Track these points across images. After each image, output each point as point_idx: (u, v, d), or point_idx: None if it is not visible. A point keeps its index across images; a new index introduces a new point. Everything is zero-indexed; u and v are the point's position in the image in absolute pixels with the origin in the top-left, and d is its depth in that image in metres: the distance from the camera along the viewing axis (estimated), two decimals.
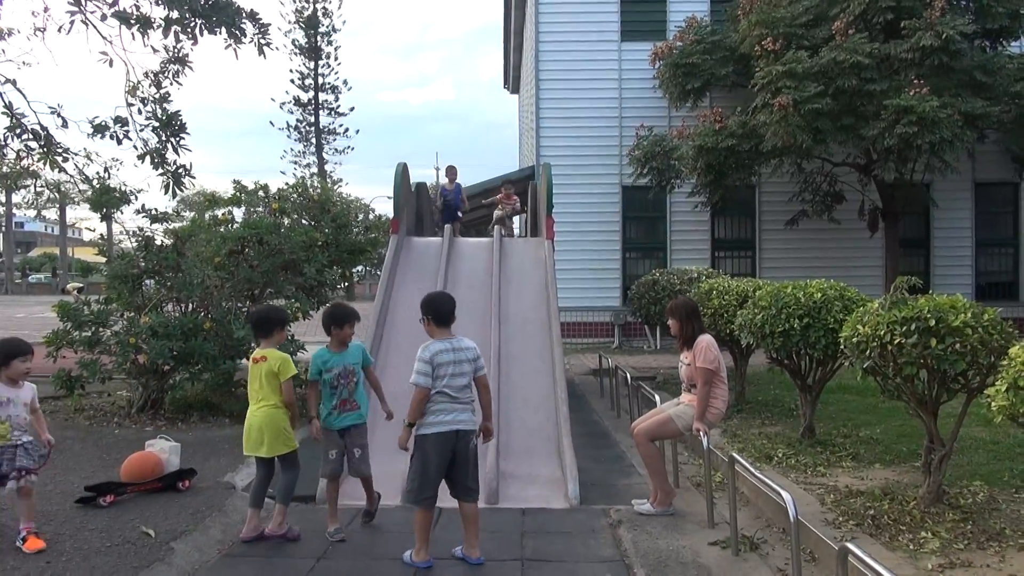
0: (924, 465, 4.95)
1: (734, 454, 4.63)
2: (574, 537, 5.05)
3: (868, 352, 4.71)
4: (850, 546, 3.00)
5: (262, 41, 9.01)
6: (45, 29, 9.10)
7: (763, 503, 5.42)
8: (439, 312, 4.52)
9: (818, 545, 4.36)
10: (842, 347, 5.19)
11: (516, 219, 13.96)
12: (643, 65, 15.88)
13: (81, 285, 35.47)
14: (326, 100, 44.08)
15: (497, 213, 13.06)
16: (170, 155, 8.56)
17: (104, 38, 8.66)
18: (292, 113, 44.09)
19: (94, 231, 44.84)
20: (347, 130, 44.75)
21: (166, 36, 8.64)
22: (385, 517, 5.37)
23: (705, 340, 5.41)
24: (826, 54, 12.04)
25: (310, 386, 5.09)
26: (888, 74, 12.20)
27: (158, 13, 8.54)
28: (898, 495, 5.10)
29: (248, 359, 8.69)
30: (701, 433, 5.21)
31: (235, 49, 8.82)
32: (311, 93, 43.73)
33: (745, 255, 16.90)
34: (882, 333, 4.61)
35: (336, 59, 44.55)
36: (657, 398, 6.55)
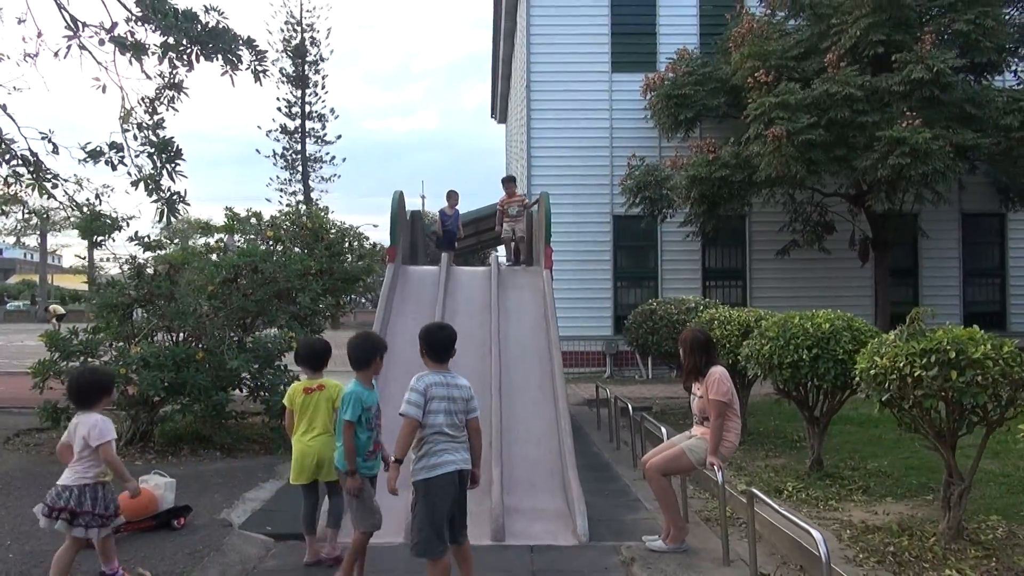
0: (944, 500, 4.86)
1: (754, 490, 4.51)
2: None
3: (887, 384, 4.63)
4: None
5: (258, 68, 8.95)
6: (38, 54, 9.01)
7: (777, 539, 5.30)
8: (432, 346, 4.27)
9: None
10: (858, 379, 5.11)
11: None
12: (634, 96, 15.98)
13: (63, 312, 34.97)
14: (313, 128, 44.09)
15: (505, 228, 11.18)
16: (165, 181, 8.42)
17: (99, 63, 8.57)
18: (279, 141, 44.02)
19: (84, 258, 44.26)
20: (333, 158, 44.77)
21: (161, 62, 8.57)
22: (389, 555, 5.19)
23: (718, 372, 5.32)
24: (818, 86, 12.17)
25: (348, 429, 4.41)
26: (879, 106, 12.33)
27: (154, 39, 8.48)
28: (916, 530, 5.00)
29: (239, 389, 8.59)
30: (715, 467, 5.09)
31: (231, 76, 8.74)
32: (298, 121, 43.73)
33: (736, 284, 16.92)
34: (901, 365, 4.54)
35: (323, 87, 44.50)
36: (664, 430, 6.43)
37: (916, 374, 4.46)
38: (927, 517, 5.28)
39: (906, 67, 11.92)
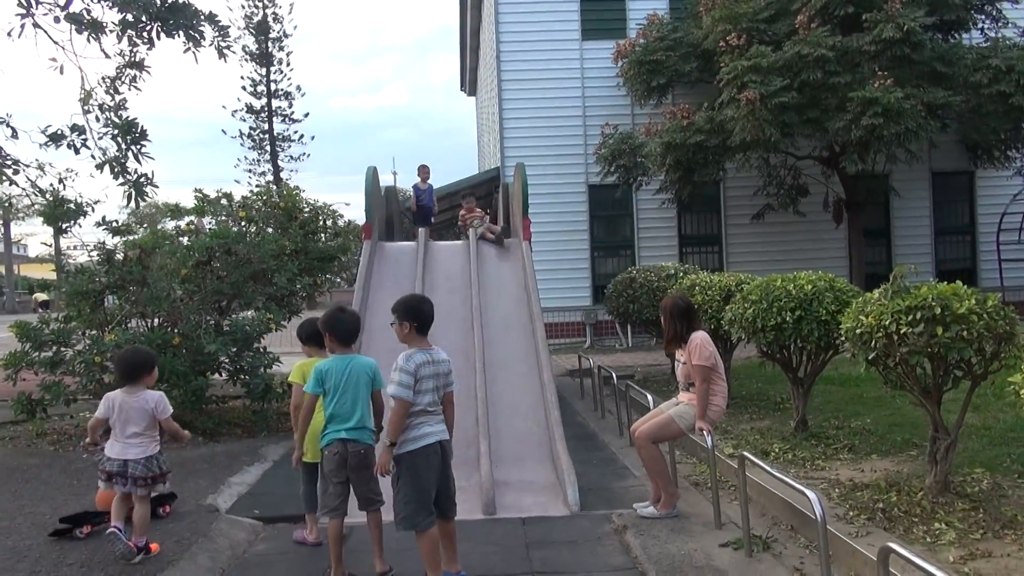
0: (930, 455, 4.90)
1: (745, 453, 4.52)
2: (580, 545, 4.89)
3: (873, 343, 4.64)
4: (893, 546, 2.89)
5: (222, 44, 8.70)
6: None
7: (767, 501, 5.34)
8: (423, 318, 4.13)
9: (833, 541, 4.27)
10: (843, 338, 5.12)
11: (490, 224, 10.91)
12: (605, 63, 15.83)
13: (48, 299, 34.22)
14: (279, 107, 43.29)
15: (479, 231, 10.58)
16: (131, 164, 8.18)
17: (55, 43, 8.26)
18: (245, 121, 43.16)
19: (50, 246, 43.32)
20: (302, 137, 44.03)
21: (120, 40, 8.28)
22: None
23: (699, 337, 5.32)
24: (790, 48, 12.12)
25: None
26: (850, 67, 12.32)
27: (112, 17, 8.19)
28: (903, 486, 5.05)
29: (218, 373, 8.45)
30: (704, 432, 5.10)
31: (195, 53, 8.48)
32: (264, 100, 42.89)
33: (712, 250, 16.97)
34: (887, 323, 4.55)
35: (288, 65, 43.65)
36: (650, 398, 6.44)
37: (902, 331, 4.47)
38: (913, 472, 5.34)
39: (876, 26, 11.90)
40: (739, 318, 6.58)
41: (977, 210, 17.07)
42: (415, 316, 4.13)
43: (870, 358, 4.76)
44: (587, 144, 16.23)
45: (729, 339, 7.47)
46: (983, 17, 14.10)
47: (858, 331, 4.78)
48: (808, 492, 3.61)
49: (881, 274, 8.01)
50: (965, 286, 4.64)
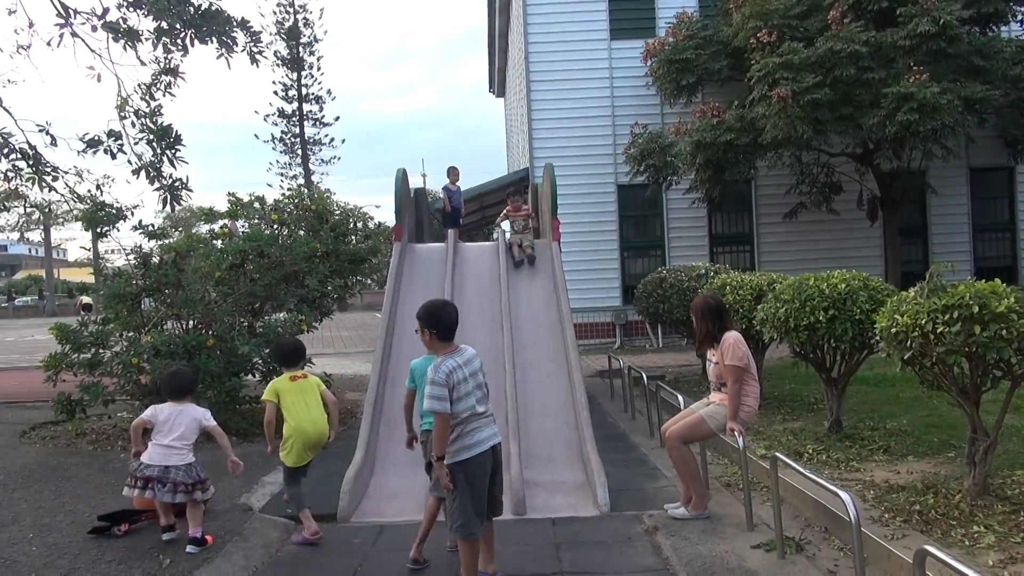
0: (968, 457, 4.80)
1: (777, 454, 4.47)
2: (611, 546, 4.87)
3: (909, 342, 4.56)
4: (930, 549, 2.84)
5: (254, 50, 8.82)
6: (30, 46, 8.90)
7: (800, 502, 5.27)
8: (444, 325, 4.08)
9: (867, 544, 4.20)
10: (877, 338, 5.04)
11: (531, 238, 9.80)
12: (634, 63, 15.77)
13: (90, 302, 34.92)
14: (310, 111, 43.84)
15: (511, 239, 9.71)
16: (166, 168, 8.35)
17: (93, 51, 8.46)
18: (276, 125, 43.79)
19: (88, 250, 44.28)
20: (332, 140, 44.52)
21: (156, 48, 8.44)
22: (411, 532, 5.19)
23: (732, 337, 5.26)
24: (822, 44, 11.96)
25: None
26: (885, 62, 12.12)
27: (147, 25, 8.35)
28: (941, 488, 4.95)
29: (251, 374, 8.56)
30: (736, 433, 5.05)
31: (227, 59, 8.62)
32: (295, 104, 43.45)
33: (743, 249, 16.80)
34: (923, 322, 4.46)
35: (319, 69, 44.17)
36: (680, 399, 6.40)
37: (938, 330, 4.38)
38: (951, 474, 5.24)
39: (911, 20, 11.70)
40: (771, 317, 6.50)
41: (1017, 206, 16.67)
42: (435, 323, 4.08)
43: (906, 358, 4.67)
44: (616, 144, 16.17)
45: (761, 339, 7.39)
46: (1023, 9, 13.80)
47: (893, 330, 4.69)
48: (842, 493, 3.56)
49: (917, 273, 7.85)
50: (1004, 284, 4.54)
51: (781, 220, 15.76)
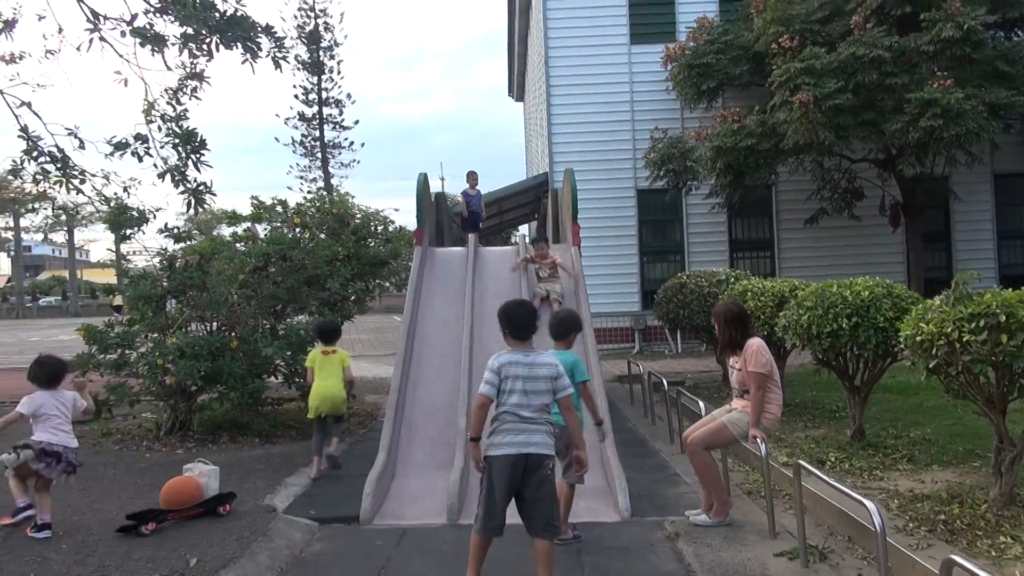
0: (994, 466, 4.77)
1: (801, 462, 4.45)
2: (632, 552, 4.88)
3: (934, 351, 4.53)
4: (957, 558, 2.83)
5: (278, 55, 8.92)
6: (59, 50, 9.06)
7: (823, 510, 5.24)
8: (515, 324, 4.11)
9: (892, 553, 4.18)
10: (902, 346, 5.02)
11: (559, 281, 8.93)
12: (654, 67, 15.77)
13: (120, 303, 35.36)
14: (330, 114, 44.08)
15: (539, 289, 8.75)
16: (191, 172, 8.46)
17: (121, 56, 8.60)
18: (297, 128, 44.08)
19: (112, 251, 44.84)
20: (352, 143, 44.77)
21: (182, 53, 8.56)
22: (433, 536, 5.22)
23: (755, 344, 5.25)
24: (844, 49, 11.90)
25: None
26: (908, 68, 12.04)
27: (174, 30, 8.48)
28: (966, 498, 4.92)
29: (274, 376, 8.64)
30: (758, 440, 5.04)
31: (252, 64, 8.72)
32: (315, 107, 43.72)
33: (764, 255, 16.74)
34: (948, 330, 4.44)
35: (339, 73, 44.50)
36: (702, 405, 6.38)
37: (964, 339, 4.36)
38: (976, 484, 5.20)
39: (935, 26, 11.62)
40: (794, 324, 6.48)
41: None
42: (506, 322, 4.15)
43: (931, 366, 4.65)
44: (636, 149, 16.18)
45: (783, 346, 7.37)
46: None
47: (918, 339, 4.68)
48: (867, 502, 3.55)
49: (941, 280, 7.79)
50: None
51: (802, 226, 15.69)
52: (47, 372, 5.34)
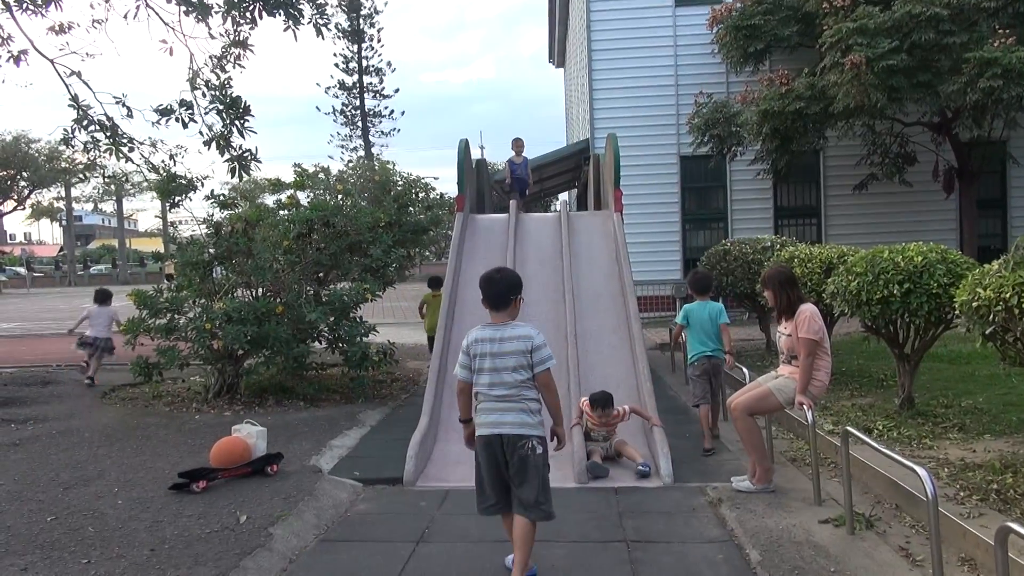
0: None
1: (849, 428, 4.38)
2: (674, 516, 4.87)
3: (992, 316, 4.39)
4: (1013, 525, 2.76)
5: (320, 21, 8.90)
6: (106, 19, 9.16)
7: (870, 478, 5.17)
8: (487, 293, 3.83)
9: (942, 522, 4.09)
10: (957, 312, 4.87)
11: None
12: (699, 30, 15.41)
13: (171, 272, 36.24)
14: (370, 83, 44.18)
15: (588, 447, 6.14)
16: (235, 139, 8.54)
17: (166, 24, 8.66)
18: (337, 97, 44.34)
19: (160, 218, 45.85)
20: (392, 112, 44.84)
21: (225, 21, 8.60)
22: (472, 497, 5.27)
23: (808, 310, 5.13)
24: (899, 7, 11.46)
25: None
26: (967, 26, 11.55)
27: None
28: (1020, 467, 4.79)
29: (318, 341, 8.78)
30: (805, 407, 4.96)
31: (294, 31, 8.71)
32: (355, 76, 43.83)
33: (810, 223, 16.38)
34: (1007, 296, 4.29)
35: (379, 41, 44.46)
36: (746, 372, 6.32)
37: (1023, 305, 4.21)
38: None
39: None
40: (842, 291, 6.34)
41: None
42: (482, 291, 3.88)
43: (987, 333, 4.51)
44: (679, 114, 15.88)
45: (830, 313, 7.22)
46: None
47: (975, 304, 4.53)
48: (919, 469, 3.47)
49: (995, 247, 7.47)
50: None
51: (850, 192, 15.31)
52: (100, 295, 10.32)
